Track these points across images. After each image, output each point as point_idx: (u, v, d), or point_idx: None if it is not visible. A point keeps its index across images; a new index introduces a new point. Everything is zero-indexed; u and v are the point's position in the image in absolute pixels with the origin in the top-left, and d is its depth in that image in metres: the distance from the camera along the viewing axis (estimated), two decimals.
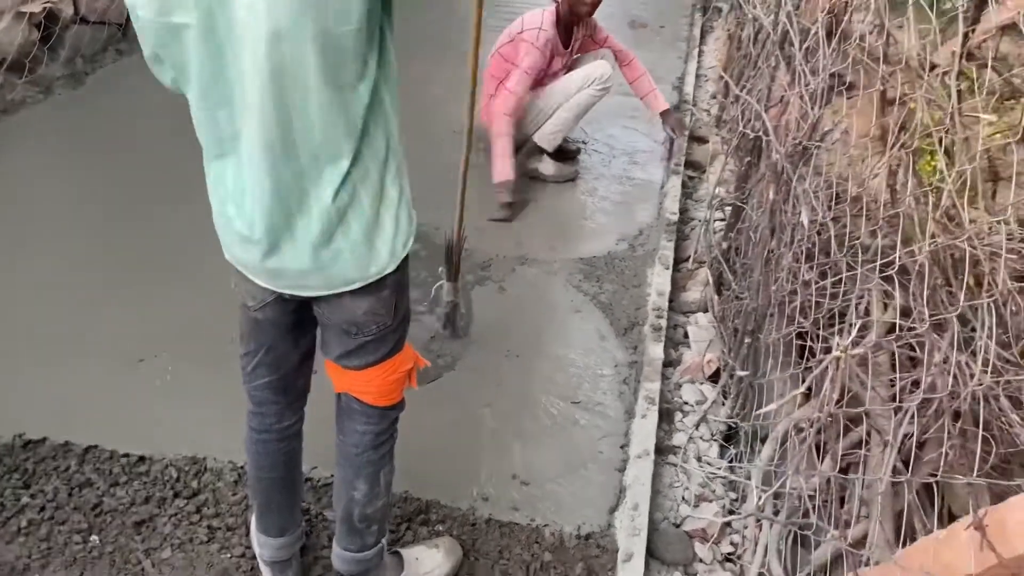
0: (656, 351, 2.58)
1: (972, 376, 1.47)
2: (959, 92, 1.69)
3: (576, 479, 2.20)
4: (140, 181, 3.34)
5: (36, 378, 2.38)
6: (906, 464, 1.73)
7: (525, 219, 3.38)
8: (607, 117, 4.15)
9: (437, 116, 4.09)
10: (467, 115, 1.38)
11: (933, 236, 1.70)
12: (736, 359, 2.37)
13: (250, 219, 1.31)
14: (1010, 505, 1.02)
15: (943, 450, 1.50)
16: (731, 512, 2.13)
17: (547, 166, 3.66)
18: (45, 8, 4.03)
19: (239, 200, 1.32)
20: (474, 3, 1.26)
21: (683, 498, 2.18)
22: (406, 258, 1.46)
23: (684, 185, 3.62)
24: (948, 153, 1.76)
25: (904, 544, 1.40)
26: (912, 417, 1.43)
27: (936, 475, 1.31)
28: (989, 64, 1.44)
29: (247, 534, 1.97)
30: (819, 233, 2.03)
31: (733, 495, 2.20)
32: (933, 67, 1.86)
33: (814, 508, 1.72)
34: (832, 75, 2.00)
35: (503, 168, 3.41)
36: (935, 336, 1.51)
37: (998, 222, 1.77)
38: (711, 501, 2.17)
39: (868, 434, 1.83)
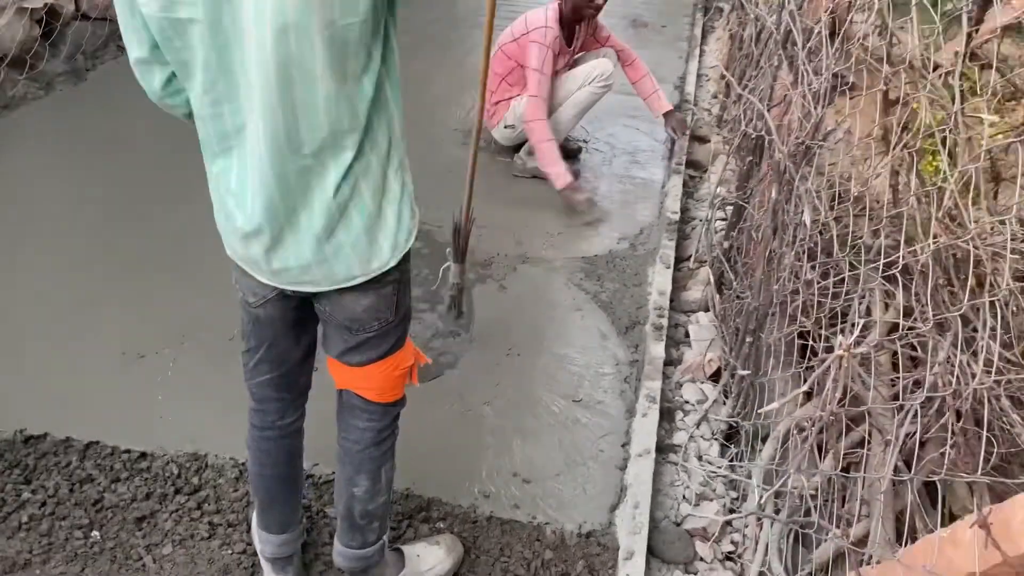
0: (657, 350, 2.58)
1: (974, 376, 1.47)
2: (961, 93, 1.70)
3: (577, 477, 2.20)
4: (141, 178, 3.35)
5: (37, 374, 2.38)
6: (907, 464, 1.73)
7: (526, 218, 3.37)
8: (608, 116, 4.16)
9: (437, 115, 4.10)
10: (479, 94, 1.35)
11: (935, 236, 1.70)
12: (737, 358, 2.37)
13: (253, 214, 1.31)
14: (1015, 503, 1.02)
15: (945, 449, 1.50)
16: (732, 511, 2.13)
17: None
18: (46, 4, 4.03)
19: (242, 195, 1.31)
20: (488, 5, 1.26)
21: (684, 497, 2.18)
22: (408, 254, 1.46)
23: (685, 184, 3.62)
24: (950, 153, 1.76)
25: (905, 544, 1.40)
26: (915, 416, 1.44)
27: (940, 474, 1.31)
28: (994, 65, 1.44)
29: (248, 531, 1.97)
30: (821, 233, 2.04)
31: (734, 494, 2.20)
32: (935, 67, 1.86)
33: (816, 507, 1.73)
34: (835, 75, 2.01)
35: (560, 172, 3.40)
36: (938, 336, 1.51)
37: (1000, 222, 1.77)
38: (712, 500, 2.17)
39: (869, 433, 1.83)
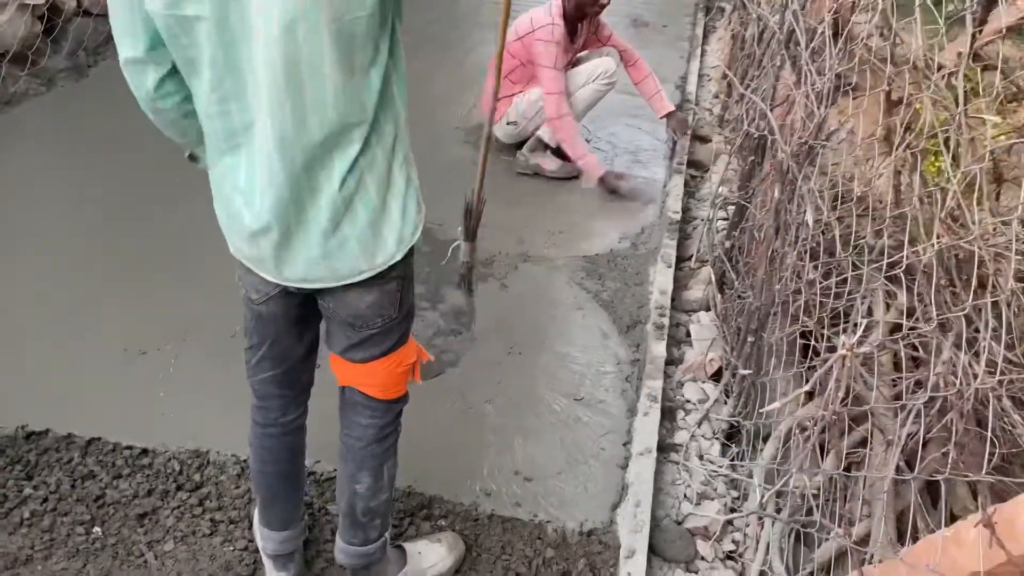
0: (658, 349, 2.58)
1: (976, 376, 1.48)
2: (964, 93, 1.70)
3: (579, 475, 2.21)
4: (143, 174, 3.34)
5: (39, 370, 2.38)
6: (908, 464, 1.74)
7: (527, 216, 3.38)
8: (610, 115, 4.16)
9: (437, 114, 4.10)
10: (494, 76, 1.33)
11: (938, 237, 1.70)
12: (739, 358, 2.38)
13: (262, 212, 1.31)
14: (1019, 503, 1.03)
15: (947, 449, 1.51)
16: (733, 510, 2.13)
17: (550, 162, 3.66)
18: (48, 0, 4.03)
19: (250, 193, 1.31)
20: (503, 5, 1.27)
21: (685, 496, 2.19)
22: (411, 252, 1.46)
23: (686, 184, 3.62)
24: (952, 154, 1.77)
25: (907, 544, 1.40)
26: (919, 415, 1.44)
27: (944, 473, 1.32)
28: (1000, 67, 1.44)
29: (250, 527, 1.97)
30: (823, 232, 2.04)
31: (735, 493, 2.20)
32: (938, 68, 1.87)
33: (818, 506, 1.73)
34: (838, 75, 2.01)
35: (594, 162, 3.51)
36: (941, 336, 1.51)
37: (1003, 223, 1.78)
38: (713, 499, 2.18)
39: (870, 433, 1.84)
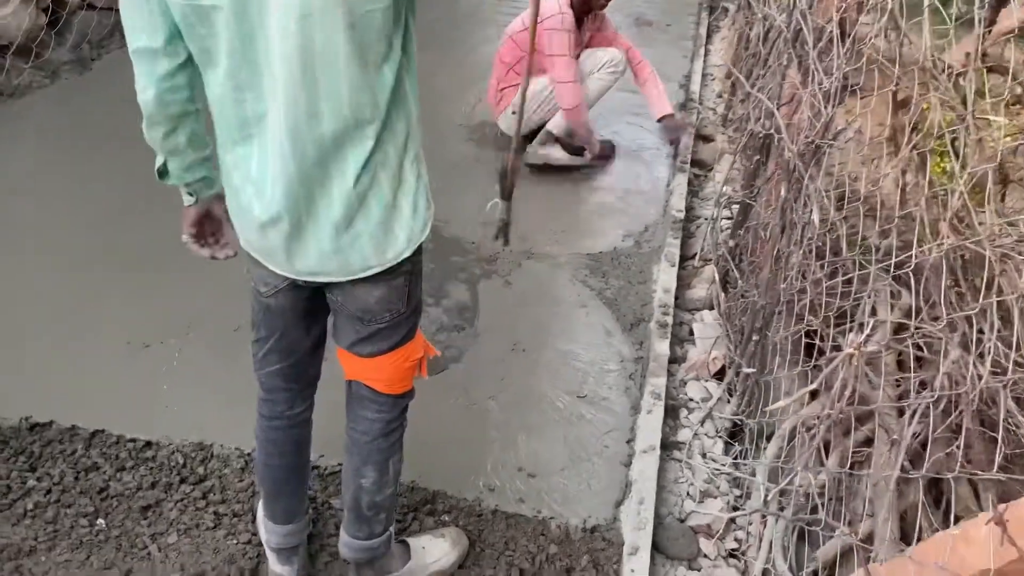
0: (662, 347, 2.59)
1: (980, 377, 1.48)
2: (968, 95, 1.70)
3: (582, 472, 2.21)
4: (147, 168, 3.31)
5: (43, 362, 2.38)
6: (910, 463, 1.74)
7: (531, 214, 3.37)
8: (613, 114, 4.16)
9: (441, 112, 4.10)
10: (529, 52, 1.33)
11: (944, 237, 1.70)
12: (742, 356, 2.38)
13: (272, 201, 1.31)
14: None
15: (952, 448, 1.51)
16: (735, 508, 2.14)
17: (557, 152, 3.65)
18: None
19: (262, 183, 1.31)
20: (531, 5, 1.27)
21: (688, 494, 2.19)
22: (420, 248, 1.47)
23: (690, 183, 3.62)
24: (958, 155, 1.77)
25: (914, 543, 1.40)
26: (924, 415, 1.44)
27: (950, 472, 1.32)
28: (1011, 68, 1.45)
29: (253, 521, 1.97)
30: (829, 232, 2.04)
31: (737, 491, 2.20)
32: (945, 69, 1.87)
33: (822, 505, 1.73)
34: (845, 75, 2.01)
35: (595, 143, 3.64)
36: (949, 335, 1.52)
37: (1009, 223, 1.78)
38: (716, 497, 2.18)
39: (876, 433, 1.84)
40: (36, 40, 3.92)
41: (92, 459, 2.10)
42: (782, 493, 1.96)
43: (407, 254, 1.41)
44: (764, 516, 1.99)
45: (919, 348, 1.91)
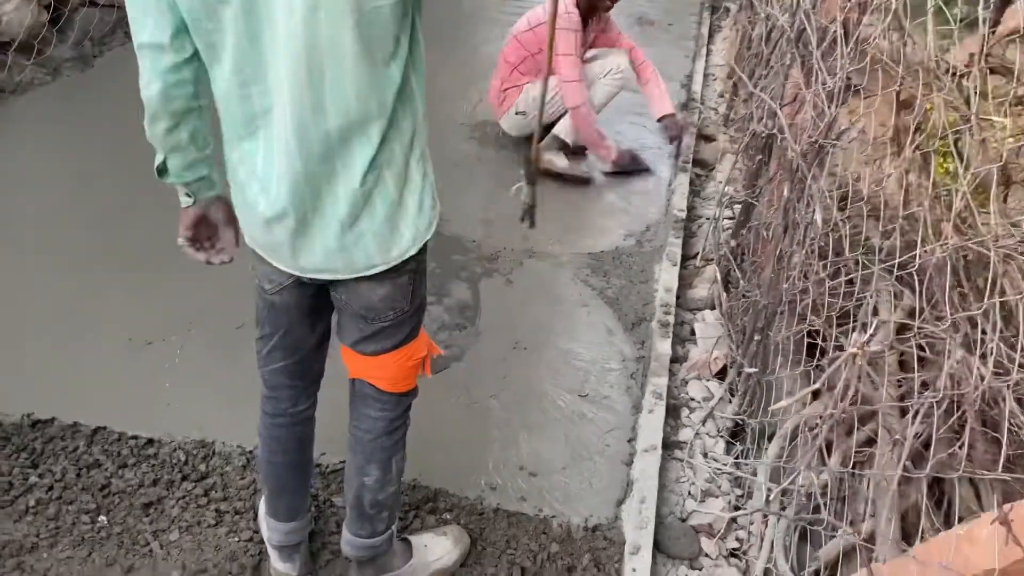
0: (663, 347, 2.59)
1: (983, 378, 1.48)
2: (971, 96, 1.70)
3: (583, 471, 2.21)
4: (148, 165, 3.32)
5: (45, 358, 2.38)
6: (913, 464, 1.74)
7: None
8: (615, 113, 4.15)
9: (443, 110, 4.10)
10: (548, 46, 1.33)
11: (947, 238, 1.70)
12: (744, 356, 2.38)
13: (278, 197, 1.31)
14: None
15: (954, 449, 1.51)
16: (736, 508, 2.14)
17: (561, 160, 3.65)
18: None
19: (267, 179, 1.31)
20: (549, 4, 1.27)
21: (689, 493, 2.19)
22: (425, 247, 1.46)
23: (692, 183, 3.62)
24: (961, 156, 1.77)
25: (918, 542, 1.40)
26: (928, 415, 1.44)
27: (953, 472, 1.32)
28: (1016, 69, 1.45)
29: (255, 518, 1.97)
30: (832, 231, 2.04)
31: (739, 491, 2.20)
32: (948, 69, 1.87)
33: (825, 504, 1.73)
34: (848, 75, 2.01)
35: (609, 147, 3.57)
36: (953, 335, 1.52)
37: (1012, 224, 1.78)
38: (717, 497, 2.18)
39: (879, 433, 1.84)
40: (38, 37, 3.91)
41: (94, 456, 2.10)
42: (784, 493, 1.96)
43: (412, 252, 1.41)
44: (766, 516, 1.99)
45: (921, 348, 1.91)
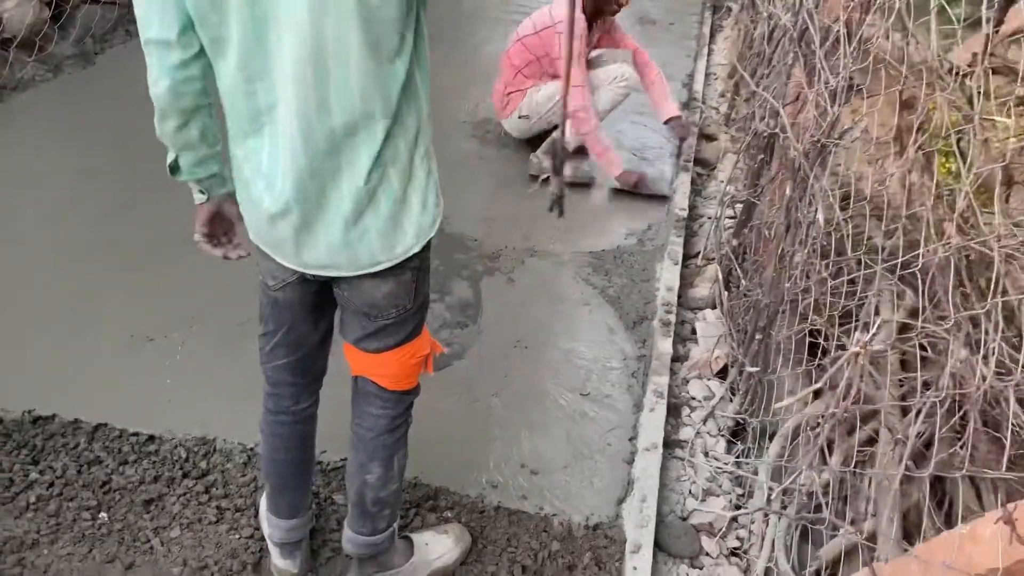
0: (665, 346, 2.59)
1: (985, 378, 1.48)
2: (978, 94, 1.70)
3: (584, 470, 2.21)
4: (149, 162, 3.31)
5: (46, 355, 2.38)
6: (914, 463, 1.74)
7: (534, 211, 3.37)
8: (617, 113, 4.13)
9: (445, 109, 4.10)
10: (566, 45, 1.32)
11: (949, 237, 1.70)
12: (746, 355, 2.38)
13: (283, 193, 1.31)
14: None
15: (955, 449, 1.51)
16: (737, 507, 2.14)
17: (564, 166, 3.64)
18: None
19: (272, 175, 1.31)
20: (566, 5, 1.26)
21: (690, 492, 2.19)
22: (428, 244, 1.46)
23: (693, 182, 3.63)
24: (964, 156, 1.77)
25: (920, 541, 1.40)
26: (930, 414, 1.44)
27: (954, 471, 1.32)
28: (1021, 69, 1.44)
29: (256, 515, 1.97)
30: (833, 231, 2.04)
31: (739, 490, 2.20)
32: (951, 69, 1.87)
33: (826, 504, 1.73)
34: (851, 74, 2.01)
35: (615, 159, 3.51)
36: (956, 335, 1.52)
37: (1015, 224, 1.78)
38: (718, 496, 2.18)
39: (881, 432, 1.84)
40: (39, 34, 3.92)
41: (95, 453, 2.09)
42: (785, 492, 1.96)
43: (415, 250, 1.41)
44: (767, 515, 1.99)
45: (923, 348, 1.91)
